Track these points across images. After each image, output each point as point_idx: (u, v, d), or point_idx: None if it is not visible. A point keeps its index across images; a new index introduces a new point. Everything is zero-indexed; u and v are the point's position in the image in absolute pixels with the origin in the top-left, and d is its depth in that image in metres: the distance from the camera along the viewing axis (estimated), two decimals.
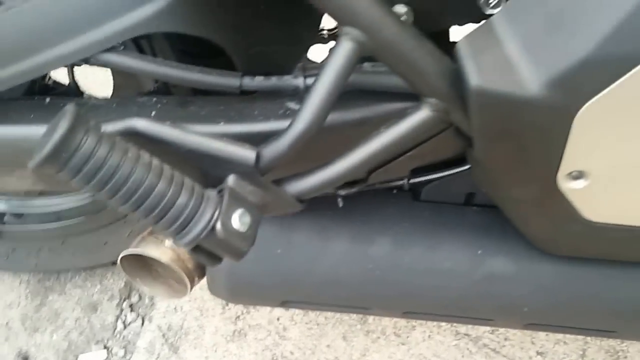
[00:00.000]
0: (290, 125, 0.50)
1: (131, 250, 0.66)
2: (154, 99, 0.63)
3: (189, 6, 0.55)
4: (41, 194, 1.06)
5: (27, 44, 0.55)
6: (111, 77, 0.85)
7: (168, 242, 0.67)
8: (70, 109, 0.41)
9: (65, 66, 0.61)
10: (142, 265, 0.70)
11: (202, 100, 0.62)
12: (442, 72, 0.49)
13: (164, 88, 0.69)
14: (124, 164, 0.41)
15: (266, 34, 0.63)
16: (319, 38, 0.79)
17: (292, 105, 0.59)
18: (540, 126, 0.48)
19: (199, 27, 0.57)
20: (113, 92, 0.90)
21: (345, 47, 0.48)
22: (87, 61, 0.57)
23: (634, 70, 0.43)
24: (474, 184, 0.65)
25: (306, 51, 0.70)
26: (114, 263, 1.16)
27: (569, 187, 0.52)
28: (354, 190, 0.63)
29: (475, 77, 0.46)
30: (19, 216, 1.05)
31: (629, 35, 0.42)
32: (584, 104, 0.45)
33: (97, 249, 1.06)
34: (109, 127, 0.48)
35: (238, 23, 0.60)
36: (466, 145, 0.55)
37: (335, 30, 0.79)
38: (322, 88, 0.49)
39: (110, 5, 0.55)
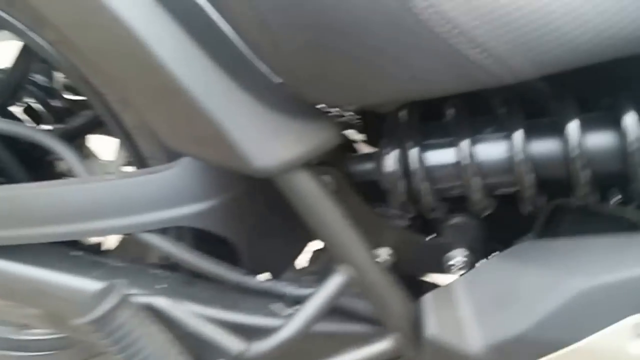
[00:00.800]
0: (279, 330, 0.61)
1: None
2: (166, 274, 0.74)
3: (225, 214, 0.68)
4: None
5: (85, 212, 0.67)
6: None
7: None
8: (120, 284, 0.52)
9: None
10: None
11: (204, 284, 0.72)
12: (407, 316, 0.61)
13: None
14: (144, 337, 0.51)
15: (272, 244, 0.76)
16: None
17: (279, 307, 0.69)
18: None
19: (226, 229, 0.69)
20: (118, 249, 1.01)
21: (337, 280, 0.60)
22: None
23: (556, 353, 0.55)
24: None
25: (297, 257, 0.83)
26: None
27: None
28: None
29: (431, 328, 0.58)
30: None
31: (553, 325, 0.54)
32: None
33: None
34: (137, 299, 0.58)
35: (255, 233, 0.73)
36: None
37: None
38: (311, 308, 0.61)
39: (164, 198, 0.67)
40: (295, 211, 0.77)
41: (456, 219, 0.68)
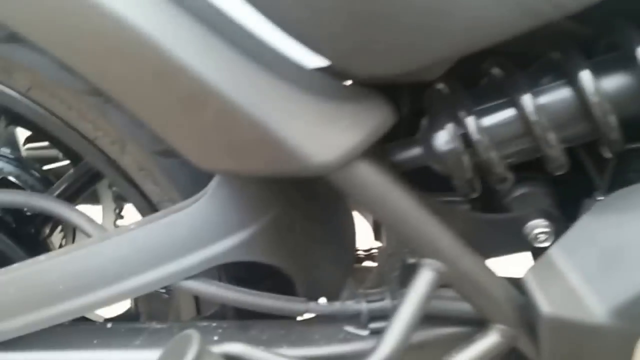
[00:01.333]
0: (375, 350, 0.53)
1: None
2: (214, 324, 0.65)
3: (268, 238, 0.60)
4: None
5: (114, 273, 0.58)
6: None
7: None
8: (195, 334, 0.44)
9: None
10: None
11: (261, 324, 0.64)
12: (512, 301, 0.54)
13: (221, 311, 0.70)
14: None
15: (321, 261, 0.68)
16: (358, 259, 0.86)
17: (352, 329, 0.62)
18: (606, 348, 0.52)
19: (272, 255, 0.62)
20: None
21: (427, 277, 0.53)
22: (167, 288, 0.60)
23: None
24: None
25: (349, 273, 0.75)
26: None
27: None
28: None
29: (545, 306, 0.52)
30: None
31: None
32: None
33: None
34: (214, 349, 0.50)
35: (302, 253, 0.65)
36: None
37: (370, 251, 0.87)
38: (406, 313, 0.53)
39: (197, 237, 0.59)
40: (336, 221, 0.70)
41: (522, 189, 0.62)
